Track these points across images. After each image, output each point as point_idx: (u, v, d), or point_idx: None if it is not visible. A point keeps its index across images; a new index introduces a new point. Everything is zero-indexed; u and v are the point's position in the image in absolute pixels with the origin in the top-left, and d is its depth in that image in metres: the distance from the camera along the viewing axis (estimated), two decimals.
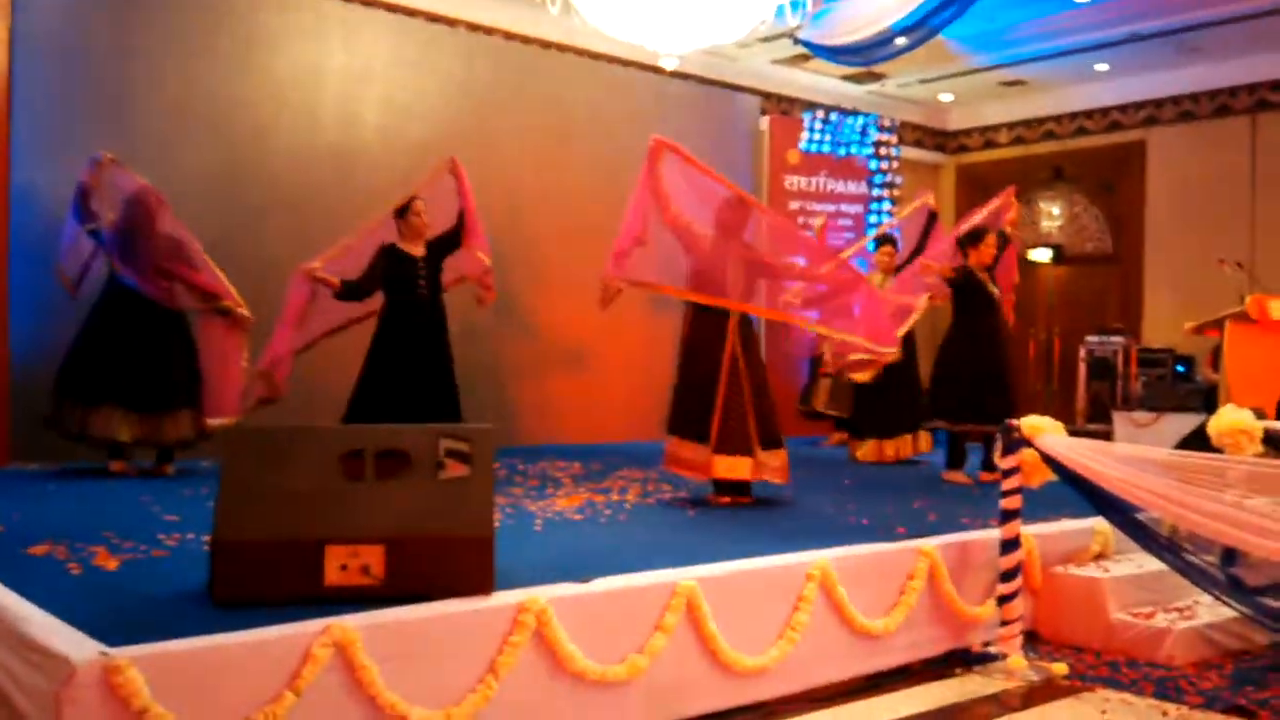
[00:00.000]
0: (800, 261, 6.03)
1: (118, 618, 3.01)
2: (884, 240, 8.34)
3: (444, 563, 3.30)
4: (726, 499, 5.63)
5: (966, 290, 6.85)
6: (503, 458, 6.88)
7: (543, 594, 3.38)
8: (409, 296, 6.48)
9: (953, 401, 6.79)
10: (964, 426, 6.78)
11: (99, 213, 6.29)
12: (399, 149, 8.27)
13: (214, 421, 6.35)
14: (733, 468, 5.52)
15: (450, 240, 6.68)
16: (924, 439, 8.13)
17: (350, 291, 6.44)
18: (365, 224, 6.68)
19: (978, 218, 7.28)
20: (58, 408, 6.20)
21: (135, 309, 6.24)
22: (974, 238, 6.87)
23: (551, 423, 9.11)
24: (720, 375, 5.53)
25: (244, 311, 6.44)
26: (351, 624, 2.99)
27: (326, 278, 6.39)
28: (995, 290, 6.92)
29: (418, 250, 6.55)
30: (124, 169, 6.38)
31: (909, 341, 8.03)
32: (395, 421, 5.73)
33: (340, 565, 3.23)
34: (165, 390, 6.27)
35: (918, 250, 7.71)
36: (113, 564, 3.77)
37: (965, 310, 6.91)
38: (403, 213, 6.54)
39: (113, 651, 2.65)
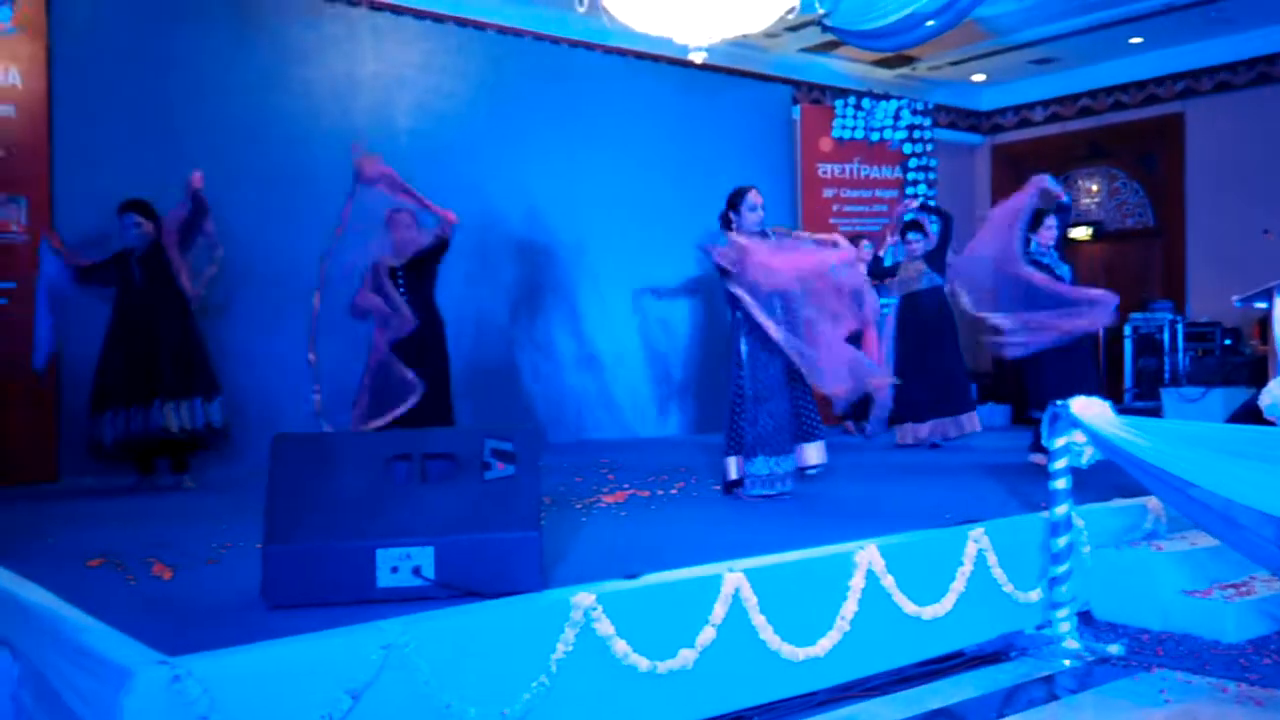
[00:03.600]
0: None
1: (175, 626, 3.05)
2: (912, 225, 8.26)
3: (494, 562, 3.32)
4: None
5: None
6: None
7: (593, 590, 3.40)
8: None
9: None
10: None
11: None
12: (432, 153, 8.31)
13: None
14: None
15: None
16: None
17: None
18: None
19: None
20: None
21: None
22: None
23: (581, 420, 9.17)
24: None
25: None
26: (405, 626, 3.01)
27: None
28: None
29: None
30: None
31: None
32: None
33: (391, 568, 3.27)
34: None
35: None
36: (168, 574, 3.82)
37: None
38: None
39: (171, 660, 2.69)
